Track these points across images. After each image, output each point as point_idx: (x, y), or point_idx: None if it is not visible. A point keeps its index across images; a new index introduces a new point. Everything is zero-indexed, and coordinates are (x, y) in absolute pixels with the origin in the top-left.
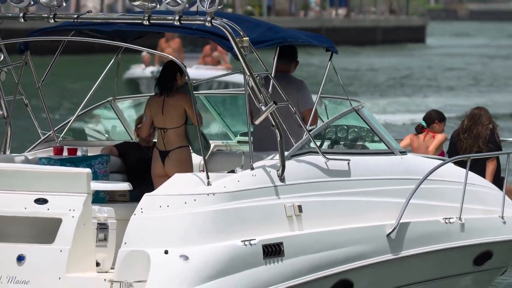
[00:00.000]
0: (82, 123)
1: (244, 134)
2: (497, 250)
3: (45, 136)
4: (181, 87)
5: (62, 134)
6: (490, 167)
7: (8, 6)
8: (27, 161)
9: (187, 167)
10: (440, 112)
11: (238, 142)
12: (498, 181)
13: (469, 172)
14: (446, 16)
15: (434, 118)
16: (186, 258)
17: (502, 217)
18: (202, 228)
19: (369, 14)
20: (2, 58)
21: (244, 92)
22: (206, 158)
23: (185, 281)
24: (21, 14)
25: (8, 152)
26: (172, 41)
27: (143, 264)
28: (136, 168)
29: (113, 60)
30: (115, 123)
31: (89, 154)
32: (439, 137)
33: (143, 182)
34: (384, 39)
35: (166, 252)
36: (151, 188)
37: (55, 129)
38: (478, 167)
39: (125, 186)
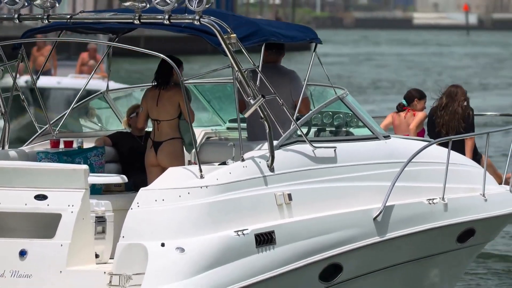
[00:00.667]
0: (78, 115)
1: (233, 121)
2: (479, 227)
3: (41, 130)
4: (177, 82)
5: (58, 128)
6: (468, 144)
7: None
8: (25, 155)
9: (179, 158)
10: (419, 91)
11: (228, 128)
12: (475, 157)
13: (451, 151)
14: (332, 24)
15: (413, 97)
16: (182, 250)
17: (484, 195)
18: (197, 220)
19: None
20: None
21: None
22: (199, 147)
23: (181, 272)
24: (16, 15)
25: (6, 146)
26: (44, 49)
27: (141, 257)
28: (129, 157)
29: (103, 56)
30: (108, 113)
31: (84, 146)
32: (419, 114)
33: (136, 171)
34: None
35: (162, 244)
36: (144, 176)
37: (51, 122)
38: (457, 145)
39: (119, 179)
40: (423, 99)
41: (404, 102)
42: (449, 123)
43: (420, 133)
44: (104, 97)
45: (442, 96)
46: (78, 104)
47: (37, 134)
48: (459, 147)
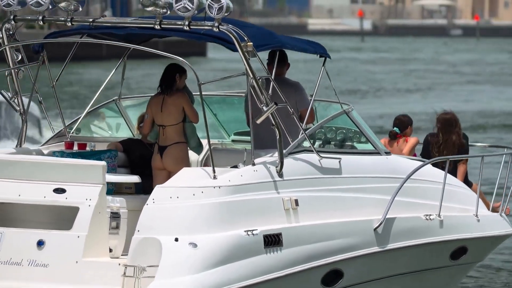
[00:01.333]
0: (88, 120)
1: (238, 134)
2: (471, 246)
3: (57, 132)
4: (180, 88)
5: (73, 130)
6: (461, 169)
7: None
8: (41, 154)
9: (183, 162)
10: (409, 117)
11: (233, 141)
12: (466, 183)
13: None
14: None
15: (406, 124)
16: (194, 245)
17: (477, 215)
18: (209, 218)
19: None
20: (20, 58)
21: (240, 94)
22: (206, 155)
23: (194, 266)
24: (40, 17)
25: (23, 145)
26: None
27: (155, 250)
28: (139, 163)
29: (119, 62)
30: (119, 120)
31: (96, 149)
32: (411, 140)
33: (145, 176)
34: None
35: (176, 239)
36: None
37: (66, 125)
38: (450, 171)
39: (135, 178)
40: (412, 124)
41: (397, 130)
42: (448, 155)
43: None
44: (116, 104)
45: (438, 129)
46: (91, 109)
47: (52, 135)
48: (450, 172)
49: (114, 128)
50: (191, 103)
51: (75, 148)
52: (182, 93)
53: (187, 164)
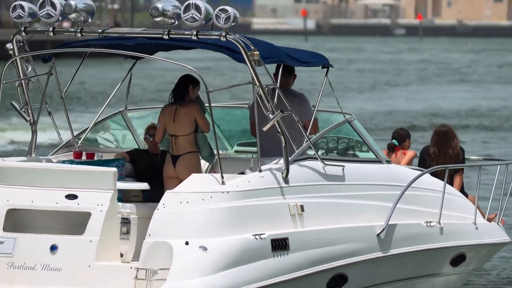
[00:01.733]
0: (94, 132)
1: (241, 144)
2: (470, 253)
3: (65, 142)
4: (193, 98)
5: (81, 140)
6: (457, 181)
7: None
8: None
9: (196, 170)
10: (407, 130)
11: (236, 151)
12: (462, 193)
13: (443, 182)
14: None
15: (405, 137)
16: (204, 249)
17: (475, 223)
18: (218, 222)
19: (94, 27)
20: (30, 69)
21: (243, 105)
22: (213, 163)
23: (204, 269)
24: (51, 29)
25: (33, 154)
26: None
27: (166, 254)
28: (145, 173)
29: (126, 74)
30: (124, 132)
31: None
32: (409, 153)
33: (152, 187)
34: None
35: (186, 243)
36: (159, 190)
37: (75, 136)
38: (447, 180)
39: (144, 185)
40: (410, 137)
41: (395, 142)
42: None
43: None
44: (122, 116)
45: (434, 141)
46: (98, 121)
47: (61, 145)
48: (447, 183)
49: (121, 139)
50: (203, 114)
51: (84, 157)
52: (195, 104)
53: (199, 172)
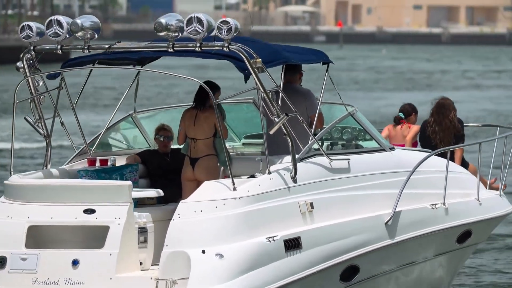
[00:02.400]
0: (106, 136)
1: (248, 137)
2: (475, 229)
3: (79, 150)
4: (212, 104)
5: (94, 147)
6: (458, 153)
7: None
8: (67, 173)
9: (214, 173)
10: (414, 106)
11: (243, 144)
12: (463, 164)
13: (445, 160)
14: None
15: (411, 112)
16: (221, 256)
17: (478, 199)
18: (233, 229)
19: (13, 33)
20: (41, 84)
21: (248, 100)
22: (225, 166)
23: (222, 276)
24: (59, 47)
25: (49, 166)
26: None
27: (184, 263)
28: (157, 173)
29: (133, 81)
30: (135, 133)
31: (116, 163)
32: (414, 128)
33: (163, 185)
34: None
35: (203, 251)
36: (171, 189)
37: (87, 143)
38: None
39: (156, 193)
40: (417, 113)
41: (401, 115)
42: (444, 139)
43: (413, 144)
44: (132, 118)
45: (432, 112)
46: (110, 125)
47: (75, 153)
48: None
49: (131, 140)
50: (223, 120)
51: (97, 164)
52: (214, 111)
53: (217, 174)
